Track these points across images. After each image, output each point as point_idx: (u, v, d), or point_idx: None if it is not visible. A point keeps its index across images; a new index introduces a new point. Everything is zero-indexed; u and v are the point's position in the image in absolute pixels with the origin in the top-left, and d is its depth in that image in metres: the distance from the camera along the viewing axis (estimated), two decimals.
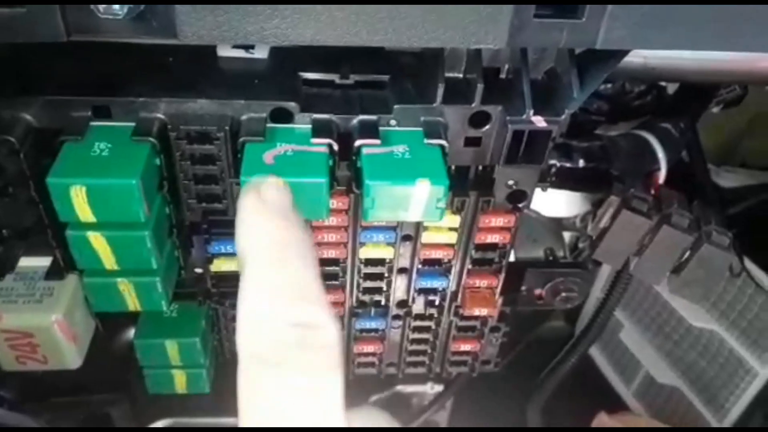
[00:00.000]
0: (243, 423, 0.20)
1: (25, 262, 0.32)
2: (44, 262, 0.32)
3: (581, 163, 0.41)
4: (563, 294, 0.40)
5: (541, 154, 0.28)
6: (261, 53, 0.30)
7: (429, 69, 0.29)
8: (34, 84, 0.27)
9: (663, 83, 0.51)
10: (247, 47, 0.29)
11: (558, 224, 0.51)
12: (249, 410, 0.20)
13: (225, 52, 0.29)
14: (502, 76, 0.30)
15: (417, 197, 0.26)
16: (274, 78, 0.29)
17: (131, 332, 0.37)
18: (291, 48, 0.29)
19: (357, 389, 0.66)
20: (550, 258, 0.43)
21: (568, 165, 0.40)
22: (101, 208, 0.25)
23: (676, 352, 0.68)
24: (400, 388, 0.67)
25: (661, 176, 0.45)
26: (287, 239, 0.23)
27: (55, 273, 0.31)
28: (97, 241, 0.26)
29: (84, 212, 0.25)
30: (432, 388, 0.67)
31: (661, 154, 0.45)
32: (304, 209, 0.26)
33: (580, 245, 0.55)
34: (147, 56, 0.28)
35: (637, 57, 0.35)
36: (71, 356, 0.32)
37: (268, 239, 0.23)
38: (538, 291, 0.40)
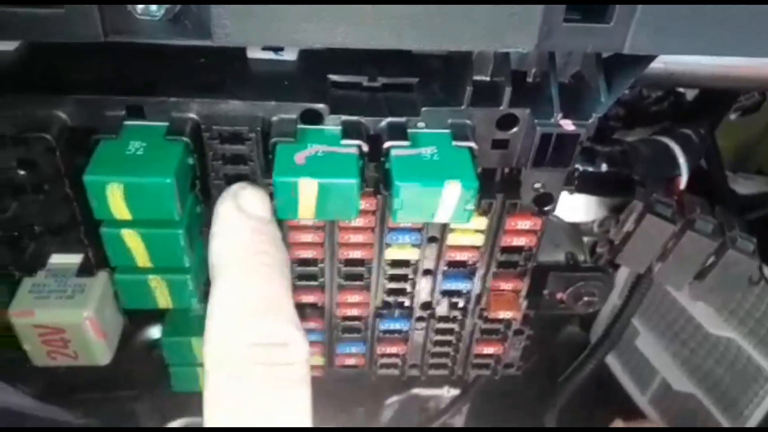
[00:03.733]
0: None
1: (56, 258, 0.32)
2: (75, 259, 0.32)
3: (604, 167, 0.41)
4: (585, 298, 0.40)
5: (569, 157, 0.29)
6: (290, 55, 0.30)
7: (456, 72, 0.29)
8: (69, 83, 0.27)
9: (680, 89, 0.51)
10: (276, 49, 0.30)
11: (577, 229, 0.51)
12: (213, 422, 0.21)
13: (254, 53, 0.30)
14: (529, 79, 0.30)
15: (446, 199, 0.26)
16: (304, 80, 0.29)
17: (156, 330, 0.37)
18: (319, 50, 0.30)
19: (374, 391, 0.66)
20: (571, 262, 0.44)
21: (590, 169, 0.40)
22: (136, 205, 0.25)
23: (693, 360, 0.68)
24: (416, 390, 0.68)
25: (682, 182, 0.45)
26: (262, 252, 0.23)
27: (86, 270, 0.31)
28: (131, 238, 0.26)
29: (119, 210, 0.25)
30: (448, 392, 0.67)
31: (681, 159, 0.45)
32: (334, 209, 0.26)
33: (599, 250, 0.55)
34: (177, 57, 0.28)
35: (658, 62, 0.35)
36: (101, 352, 0.32)
37: (240, 252, 0.23)
38: (559, 295, 0.40)
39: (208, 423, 0.21)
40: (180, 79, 0.28)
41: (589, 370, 0.57)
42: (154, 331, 0.39)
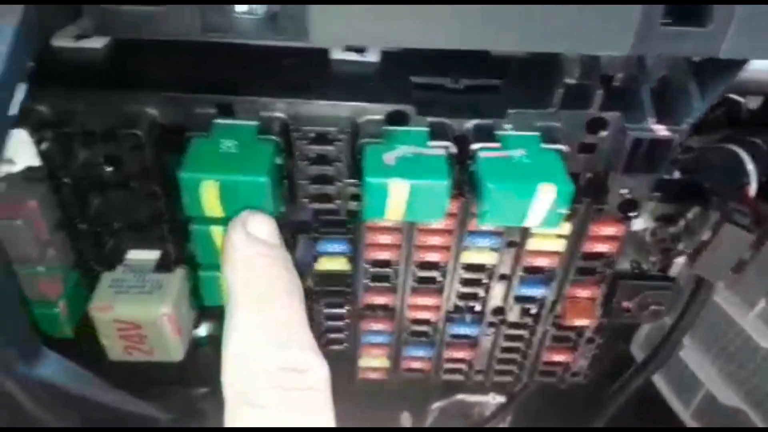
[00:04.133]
0: None
1: (133, 254, 0.33)
2: (151, 255, 0.32)
3: (676, 174, 0.40)
4: (652, 307, 0.40)
5: (660, 163, 0.28)
6: (372, 56, 0.30)
7: (541, 74, 0.29)
8: (159, 80, 0.28)
9: (735, 97, 0.49)
10: (360, 50, 0.30)
11: (637, 237, 0.50)
12: None
13: (337, 54, 0.30)
14: (615, 83, 0.30)
15: (539, 202, 0.26)
16: (387, 81, 0.29)
17: (202, 329, 0.37)
18: (400, 52, 0.30)
19: (420, 395, 0.66)
20: (636, 270, 0.43)
21: (665, 176, 0.39)
22: (230, 203, 0.25)
23: (741, 373, 0.66)
24: (461, 396, 0.67)
25: (752, 190, 0.44)
26: (274, 278, 0.23)
27: (164, 266, 0.32)
28: (220, 236, 0.26)
29: (212, 207, 0.25)
30: (494, 399, 0.66)
31: (750, 167, 0.44)
32: (422, 211, 0.26)
33: (652, 259, 0.54)
34: (262, 57, 0.28)
35: None
36: (176, 349, 0.32)
37: (256, 278, 0.23)
38: (625, 303, 0.39)
39: None
40: (267, 78, 0.28)
41: (638, 385, 0.55)
42: (201, 330, 0.39)
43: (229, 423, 0.21)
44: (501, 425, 0.69)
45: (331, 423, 0.21)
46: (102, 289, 0.31)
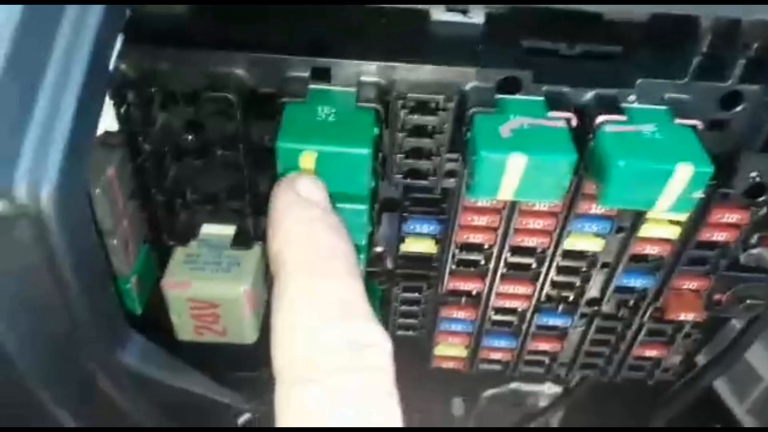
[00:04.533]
0: None
1: (207, 229, 0.31)
2: (226, 230, 0.30)
3: None
4: (748, 301, 0.37)
5: None
6: (478, 17, 0.27)
7: (667, 40, 0.26)
8: (250, 41, 0.25)
9: None
10: (463, 11, 0.27)
11: None
12: None
13: (439, 15, 0.27)
14: (750, 53, 0.26)
15: (674, 184, 0.23)
16: (495, 45, 0.26)
17: None
18: (507, 14, 0.27)
19: (472, 383, 0.64)
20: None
21: None
22: (327, 175, 0.23)
23: None
24: (515, 385, 0.65)
25: None
26: (329, 246, 0.20)
27: (242, 242, 0.30)
28: None
29: None
30: (549, 389, 0.64)
31: None
32: (538, 189, 0.24)
33: None
34: (359, 18, 0.26)
35: None
36: (250, 329, 0.30)
37: (309, 245, 0.20)
38: (717, 296, 0.37)
39: None
40: (366, 42, 0.25)
41: (703, 387, 0.52)
42: None
43: (282, 401, 0.18)
44: (552, 419, 0.67)
45: (399, 411, 0.18)
46: (176, 265, 0.29)
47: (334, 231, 0.21)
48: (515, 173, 0.23)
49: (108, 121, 0.25)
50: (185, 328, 0.31)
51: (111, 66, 0.18)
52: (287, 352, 0.19)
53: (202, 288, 0.29)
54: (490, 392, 0.64)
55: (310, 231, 0.21)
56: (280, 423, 0.18)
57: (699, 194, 0.23)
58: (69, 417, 0.21)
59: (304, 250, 0.20)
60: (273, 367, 0.19)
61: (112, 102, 0.25)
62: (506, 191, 0.24)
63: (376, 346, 0.19)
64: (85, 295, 0.18)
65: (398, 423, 0.18)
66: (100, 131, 0.25)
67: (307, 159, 0.23)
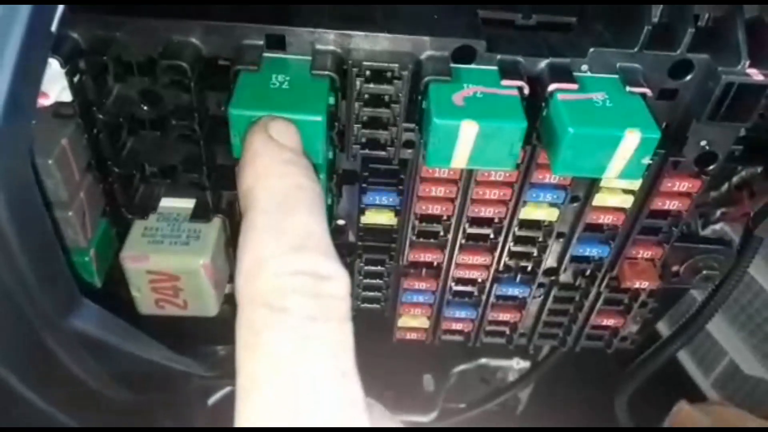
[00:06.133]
0: (243, 375, 0.18)
1: (166, 202, 0.30)
2: (185, 203, 0.30)
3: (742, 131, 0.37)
4: (704, 272, 0.38)
5: (749, 111, 0.25)
6: None
7: (620, 11, 0.26)
8: (204, 9, 0.25)
9: None
10: None
11: None
12: (250, 360, 0.18)
13: None
14: (700, 23, 0.27)
15: (623, 150, 0.23)
16: (452, 15, 0.26)
17: None
18: None
19: (441, 359, 0.64)
20: (686, 232, 0.41)
21: None
22: None
23: None
24: (484, 360, 0.66)
25: None
26: (298, 185, 0.21)
27: (201, 215, 0.29)
28: None
29: None
30: (518, 364, 0.65)
31: None
32: (491, 157, 0.24)
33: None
34: None
35: None
36: (212, 303, 0.30)
37: (279, 183, 0.21)
38: (675, 267, 0.37)
39: (246, 365, 0.18)
40: (322, 9, 0.25)
41: (666, 357, 0.54)
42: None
43: (243, 328, 0.19)
44: (521, 394, 0.68)
45: (351, 335, 0.20)
46: (134, 239, 0.29)
47: (304, 172, 0.22)
48: (468, 140, 0.23)
49: (61, 90, 0.25)
50: (146, 302, 0.30)
51: (54, 27, 0.18)
52: (246, 280, 0.19)
53: (161, 261, 0.29)
54: (459, 368, 0.65)
55: (281, 170, 0.21)
56: (237, 348, 0.19)
57: (647, 160, 0.24)
58: (36, 397, 0.21)
59: (271, 189, 0.21)
60: (236, 296, 0.20)
61: (64, 72, 0.25)
62: (460, 159, 0.24)
63: (334, 280, 0.20)
64: (32, 261, 0.18)
65: (349, 347, 0.19)
66: (51, 101, 0.25)
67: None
